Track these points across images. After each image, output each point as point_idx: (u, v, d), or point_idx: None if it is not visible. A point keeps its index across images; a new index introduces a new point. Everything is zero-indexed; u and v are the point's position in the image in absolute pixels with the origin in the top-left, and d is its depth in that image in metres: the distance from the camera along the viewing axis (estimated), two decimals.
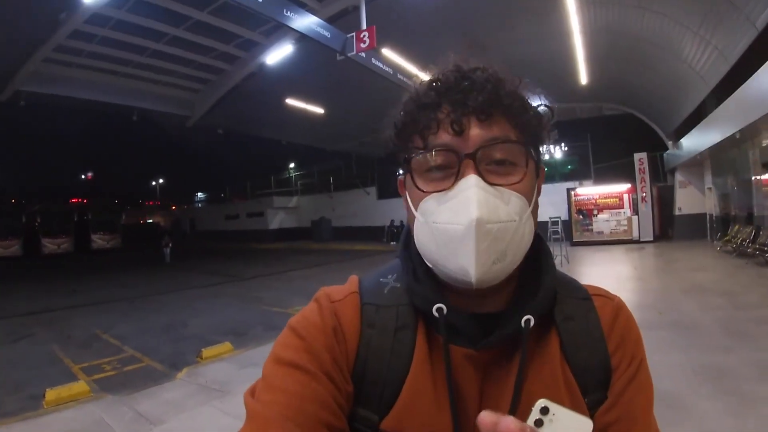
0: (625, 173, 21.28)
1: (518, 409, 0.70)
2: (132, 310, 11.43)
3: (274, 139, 30.55)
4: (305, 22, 9.46)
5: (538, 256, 0.80)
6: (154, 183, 63.57)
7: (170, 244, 24.52)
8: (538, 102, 0.79)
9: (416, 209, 0.75)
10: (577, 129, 24.36)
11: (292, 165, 44.07)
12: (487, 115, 0.71)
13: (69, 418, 4.88)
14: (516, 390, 0.72)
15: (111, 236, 36.67)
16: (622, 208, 21.00)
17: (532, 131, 0.75)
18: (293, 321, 0.76)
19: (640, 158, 20.73)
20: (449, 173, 0.71)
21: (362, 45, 10.35)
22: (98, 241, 35.75)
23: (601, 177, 23.00)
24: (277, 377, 0.69)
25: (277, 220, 38.85)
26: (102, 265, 24.80)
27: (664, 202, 21.88)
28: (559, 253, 14.39)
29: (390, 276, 0.83)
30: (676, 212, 21.49)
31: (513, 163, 0.72)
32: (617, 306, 0.83)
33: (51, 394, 5.42)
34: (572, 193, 21.82)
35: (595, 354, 0.77)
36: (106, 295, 13.32)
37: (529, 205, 0.73)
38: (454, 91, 0.72)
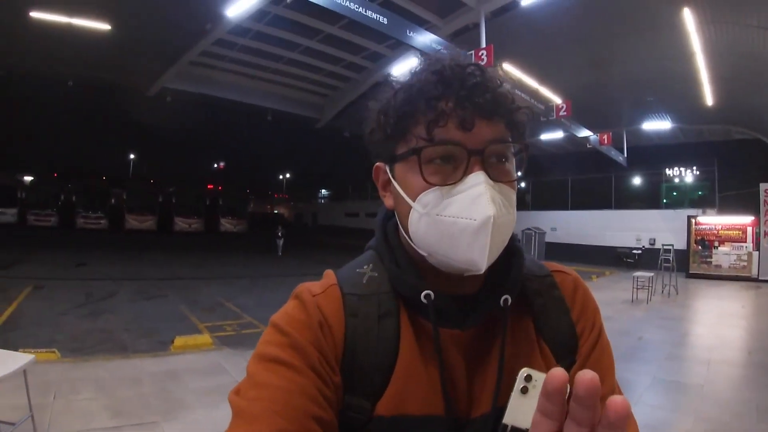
0: (750, 204, 19.56)
1: (503, 380, 0.75)
2: (253, 287, 12.61)
3: None
4: (427, 40, 10.05)
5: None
6: (281, 177, 67.31)
7: (282, 236, 23.54)
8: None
9: (413, 200, 0.76)
10: (703, 153, 22.83)
11: None
12: (491, 114, 0.73)
13: (192, 360, 5.93)
14: (500, 363, 0.77)
15: (238, 221, 39.51)
16: (744, 242, 19.23)
17: (521, 129, 0.78)
18: (275, 318, 0.77)
19: (766, 189, 18.74)
20: (456, 167, 0.74)
21: (480, 63, 10.72)
22: (226, 224, 38.60)
23: (726, 206, 21.40)
24: (261, 374, 0.69)
25: None
26: (228, 246, 26.99)
27: None
28: (668, 283, 13.82)
29: (365, 266, 0.84)
30: None
31: (507, 160, 0.77)
32: (575, 280, 0.90)
33: (179, 340, 6.49)
34: (693, 221, 20.39)
35: (563, 324, 0.85)
36: (230, 272, 14.69)
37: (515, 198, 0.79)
38: (461, 86, 0.73)
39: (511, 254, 0.83)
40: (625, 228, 23.55)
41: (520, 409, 0.51)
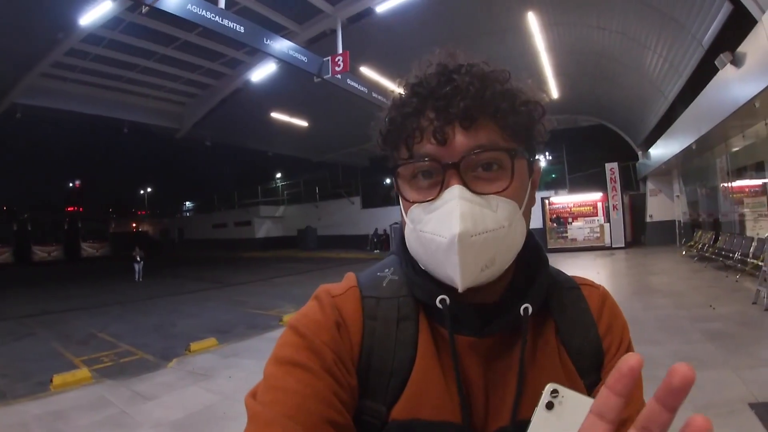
0: (601, 182, 21.87)
1: (523, 392, 0.73)
2: (124, 313, 11.90)
3: (260, 150, 31.04)
4: (284, 47, 10.16)
5: (531, 249, 0.82)
6: (143, 192, 64.04)
7: (141, 259, 19.80)
8: (530, 94, 0.76)
9: (406, 215, 0.76)
10: (552, 140, 24.76)
11: (278, 175, 44.45)
12: (472, 120, 0.69)
13: (75, 397, 5.58)
14: (520, 375, 0.74)
15: (100, 244, 37.01)
16: (596, 216, 21.67)
17: (522, 129, 0.74)
18: (293, 320, 0.75)
19: (611, 168, 21.38)
20: (434, 182, 0.71)
21: (337, 68, 11.16)
22: (88, 249, 36.07)
23: (577, 186, 23.60)
24: (277, 377, 0.68)
25: (264, 229, 39.19)
26: (93, 272, 25.08)
27: (636, 209, 22.69)
28: None
29: (387, 270, 0.83)
30: (648, 219, 22.33)
31: (501, 168, 0.71)
32: (603, 294, 0.87)
33: (58, 379, 6.09)
34: (546, 201, 22.46)
35: (588, 338, 0.80)
36: (99, 300, 13.82)
37: (520, 207, 0.74)
38: (437, 96, 0.70)
39: (535, 264, 0.82)
40: None
41: (545, 425, 0.50)
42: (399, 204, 0.80)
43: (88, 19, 10.21)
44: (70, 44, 15.01)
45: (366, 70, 14.15)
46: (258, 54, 16.47)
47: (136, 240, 33.55)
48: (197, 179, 47.86)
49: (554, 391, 0.51)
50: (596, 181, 22.29)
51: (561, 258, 18.03)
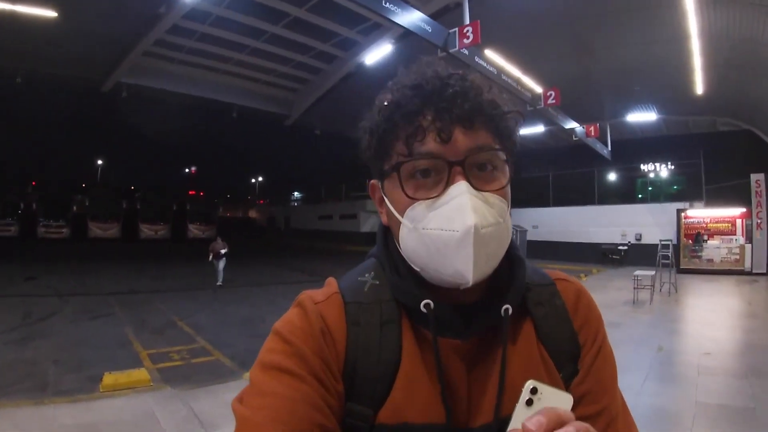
0: (740, 196, 19.14)
1: (505, 390, 0.74)
2: (214, 301, 11.56)
3: None
4: (405, 15, 8.99)
5: (509, 249, 0.80)
6: (253, 180, 66.31)
7: (224, 254, 13.84)
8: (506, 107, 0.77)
9: (402, 215, 0.76)
10: (688, 145, 22.34)
11: None
12: (471, 122, 0.72)
13: (120, 407, 4.78)
14: (501, 373, 0.75)
15: (207, 227, 38.24)
16: (734, 234, 18.86)
17: (508, 134, 0.76)
18: (278, 326, 0.75)
19: (757, 180, 18.43)
20: (437, 180, 0.73)
21: (465, 41, 9.63)
22: (194, 231, 37.49)
23: (714, 199, 20.82)
24: (265, 382, 0.68)
25: (369, 223, 38.83)
26: (197, 253, 25.66)
27: None
28: (667, 281, 13.01)
29: (367, 275, 0.83)
30: None
31: (495, 168, 0.75)
32: (578, 288, 0.88)
33: (108, 378, 5.35)
34: (682, 214, 19.93)
35: (565, 333, 0.83)
36: (193, 283, 13.50)
37: (508, 207, 0.76)
38: (439, 98, 0.72)
39: (513, 263, 0.83)
40: (610, 224, 23.16)
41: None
42: (387, 207, 0.81)
43: None
44: (173, 20, 14.88)
45: (491, 54, 12.62)
46: (372, 34, 15.55)
47: (246, 223, 34.42)
48: (305, 169, 48.66)
49: (534, 389, 0.55)
50: (736, 195, 19.50)
51: (698, 281, 15.92)
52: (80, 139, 39.80)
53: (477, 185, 0.72)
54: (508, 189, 0.77)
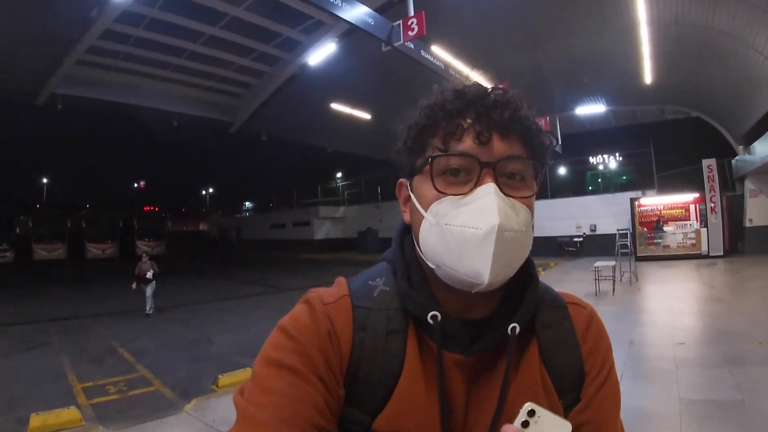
0: (691, 182, 19.53)
1: (503, 410, 0.73)
2: (159, 321, 10.93)
3: (319, 146, 30.14)
4: (350, 11, 8.48)
5: (524, 264, 0.79)
6: (204, 192, 64.87)
7: (152, 277, 11.65)
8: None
9: (426, 210, 0.75)
10: (637, 135, 22.69)
11: (339, 174, 43.78)
12: (508, 131, 0.73)
13: None
14: (502, 393, 0.74)
15: (156, 243, 36.86)
16: (689, 220, 19.22)
17: (540, 153, 0.77)
18: (284, 322, 0.75)
19: (709, 165, 18.85)
20: (467, 179, 0.73)
21: (410, 33, 9.10)
22: (143, 247, 35.79)
23: (666, 186, 21.16)
24: (268, 378, 0.68)
25: (323, 230, 38.34)
26: None
27: (732, 213, 19.87)
28: (627, 270, 12.98)
29: (378, 279, 0.83)
30: (747, 224, 19.52)
31: (523, 179, 0.75)
32: (590, 314, 0.86)
33: (36, 420, 4.85)
34: (636, 203, 20.16)
35: (570, 359, 0.80)
36: (139, 303, 12.65)
37: (532, 219, 0.76)
38: (481, 103, 0.73)
39: (526, 281, 0.81)
40: (565, 216, 23.53)
41: None
42: (412, 203, 0.80)
43: None
44: (104, 24, 14.01)
45: (438, 51, 12.18)
46: (315, 33, 15.05)
47: (184, 241, 33.57)
48: (255, 177, 47.85)
49: (531, 411, 0.55)
50: (687, 181, 19.94)
51: (657, 267, 16.02)
52: (21, 156, 38.02)
53: (505, 191, 0.72)
54: (533, 202, 0.76)
